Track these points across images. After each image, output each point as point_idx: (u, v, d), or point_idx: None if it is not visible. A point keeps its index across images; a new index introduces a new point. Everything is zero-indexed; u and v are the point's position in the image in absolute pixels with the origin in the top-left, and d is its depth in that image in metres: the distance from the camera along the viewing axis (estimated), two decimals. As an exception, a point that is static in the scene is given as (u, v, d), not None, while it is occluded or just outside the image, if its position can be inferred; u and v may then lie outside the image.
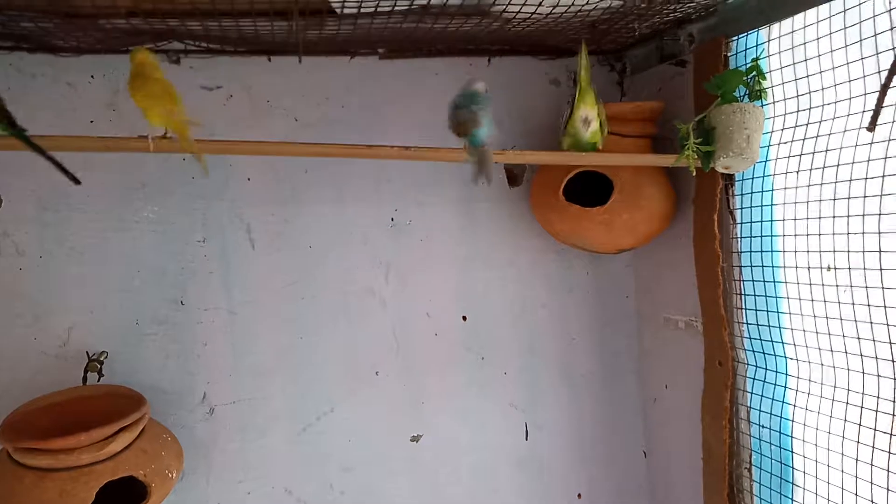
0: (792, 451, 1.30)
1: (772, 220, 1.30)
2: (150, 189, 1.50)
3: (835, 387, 1.17)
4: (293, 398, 1.58)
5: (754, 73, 1.24)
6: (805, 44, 1.18)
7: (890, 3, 1.02)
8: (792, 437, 1.30)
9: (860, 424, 1.11)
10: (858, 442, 1.12)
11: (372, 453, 1.63)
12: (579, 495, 1.76)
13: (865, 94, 1.08)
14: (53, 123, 1.42)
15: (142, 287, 1.50)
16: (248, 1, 1.19)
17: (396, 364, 1.64)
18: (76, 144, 1.18)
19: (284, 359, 1.57)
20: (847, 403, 1.15)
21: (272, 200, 1.56)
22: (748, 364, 1.38)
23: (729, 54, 1.34)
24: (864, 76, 1.08)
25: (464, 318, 1.68)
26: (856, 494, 1.13)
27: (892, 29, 1.02)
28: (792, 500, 1.30)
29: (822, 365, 1.20)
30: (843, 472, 1.15)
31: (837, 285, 1.15)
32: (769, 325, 1.32)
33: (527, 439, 1.72)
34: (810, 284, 1.21)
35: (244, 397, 1.55)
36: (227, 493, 1.55)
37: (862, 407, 1.11)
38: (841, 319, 1.15)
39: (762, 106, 1.26)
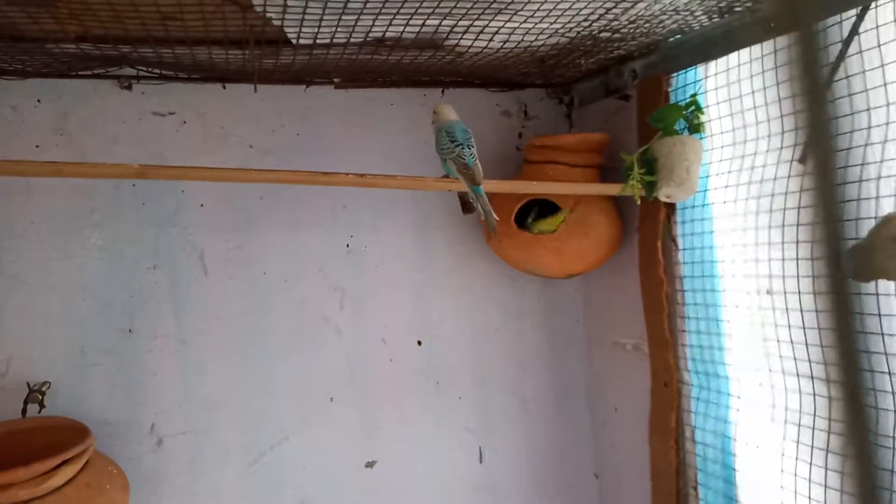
0: (734, 469, 1.34)
1: (712, 247, 1.36)
2: (98, 216, 1.47)
3: (774, 405, 1.23)
4: (246, 428, 1.55)
5: (693, 107, 1.31)
6: (740, 80, 1.26)
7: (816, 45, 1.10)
8: (735, 455, 1.34)
9: (798, 441, 1.17)
10: (797, 459, 1.17)
11: (327, 482, 1.61)
12: (533, 519, 1.77)
13: (797, 129, 1.15)
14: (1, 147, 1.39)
15: (88, 316, 1.46)
16: (202, 29, 1.20)
17: (351, 391, 1.63)
18: (22, 169, 1.16)
19: (237, 388, 1.55)
20: (786, 422, 1.20)
21: (226, 227, 1.55)
22: (692, 385, 1.43)
23: (669, 89, 1.41)
24: (796, 111, 1.15)
25: (419, 343, 1.69)
26: (796, 509, 1.17)
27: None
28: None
29: (761, 384, 1.26)
30: (783, 488, 1.20)
31: (775, 308, 1.21)
32: (711, 347, 1.38)
33: (481, 463, 1.73)
34: (749, 307, 1.27)
35: (195, 428, 1.52)
36: (176, 527, 1.50)
37: (799, 425, 1.17)
38: (778, 340, 1.20)
39: (701, 138, 1.33)
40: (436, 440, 1.70)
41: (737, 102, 1.27)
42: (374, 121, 1.65)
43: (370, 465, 1.64)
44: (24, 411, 1.39)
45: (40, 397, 1.41)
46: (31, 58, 1.34)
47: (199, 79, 1.52)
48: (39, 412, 1.41)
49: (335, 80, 1.61)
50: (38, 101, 1.44)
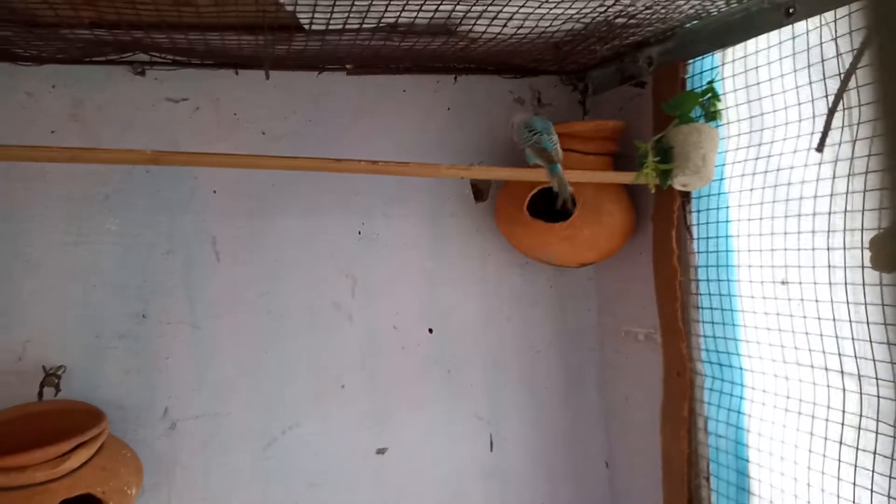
0: (748, 461, 1.33)
1: (727, 236, 1.35)
2: (112, 201, 1.48)
3: (788, 397, 1.22)
4: (258, 413, 1.56)
5: (710, 94, 1.29)
6: (758, 68, 1.24)
7: (835, 31, 1.08)
8: (748, 446, 1.33)
9: (812, 433, 1.16)
10: (811, 451, 1.16)
11: (338, 467, 1.62)
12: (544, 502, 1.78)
13: (814, 117, 1.13)
14: (10, 133, 1.39)
15: (103, 301, 1.47)
16: (215, 14, 1.20)
17: (363, 377, 1.64)
18: (37, 154, 1.17)
19: (249, 373, 1.56)
20: (800, 413, 1.19)
21: (239, 213, 1.55)
22: (706, 375, 1.42)
23: (686, 77, 1.39)
24: (813, 100, 1.13)
25: (430, 331, 1.69)
26: (808, 502, 1.16)
27: (837, 56, 1.08)
28: (748, 508, 1.34)
29: (776, 376, 1.25)
30: (796, 480, 1.19)
31: (790, 299, 1.20)
32: (726, 338, 1.37)
33: (492, 451, 1.73)
34: (765, 298, 1.25)
35: (207, 412, 1.53)
36: (188, 509, 1.52)
37: (813, 416, 1.16)
38: (793, 332, 1.19)
39: (717, 126, 1.31)
40: (447, 427, 1.70)
41: (754, 90, 1.25)
42: (386, 107, 1.64)
43: (381, 451, 1.65)
44: (40, 394, 1.41)
45: (56, 381, 1.43)
46: (46, 44, 1.34)
47: (212, 65, 1.52)
48: (55, 395, 1.43)
49: (347, 66, 1.61)
50: (53, 86, 1.44)
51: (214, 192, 1.54)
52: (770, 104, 1.22)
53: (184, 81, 1.51)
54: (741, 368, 1.35)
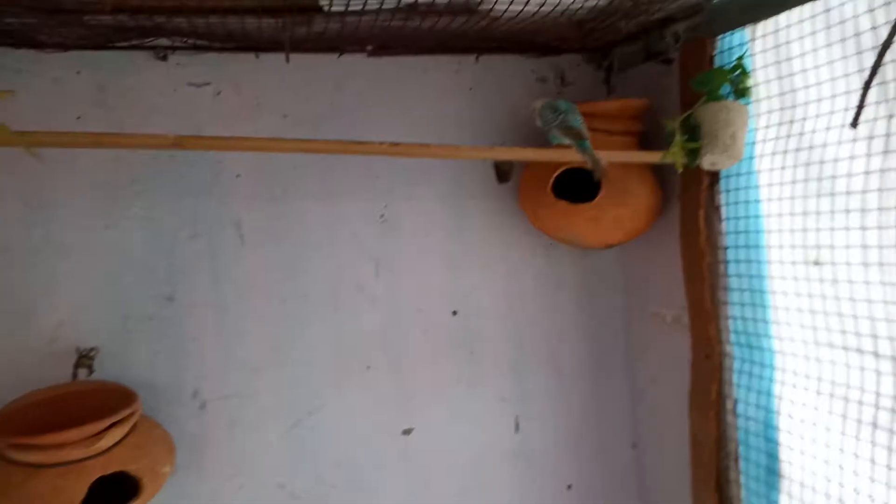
0: (778, 443, 1.32)
1: (757, 216, 1.32)
2: (138, 186, 1.50)
3: (820, 379, 1.19)
4: (284, 393, 1.59)
5: (739, 71, 1.25)
6: (789, 42, 1.20)
7: (871, 3, 1.03)
8: (778, 428, 1.32)
9: (845, 416, 1.13)
10: (843, 433, 1.14)
11: (363, 447, 1.64)
12: (569, 487, 1.78)
13: (848, 92, 1.09)
14: (39, 119, 1.41)
15: (131, 283, 1.50)
16: (235, -2, 1.20)
17: (387, 359, 1.65)
18: (64, 140, 1.18)
19: (275, 354, 1.58)
20: (832, 395, 1.17)
21: (261, 197, 1.56)
22: (735, 357, 1.40)
23: (714, 53, 1.35)
24: (847, 74, 1.09)
25: (454, 313, 1.69)
26: (840, 485, 1.15)
27: (873, 28, 1.03)
28: (778, 490, 1.32)
29: (807, 358, 1.22)
30: (828, 462, 1.17)
31: (822, 279, 1.17)
32: (755, 319, 1.34)
33: (517, 432, 1.74)
34: (796, 279, 1.23)
35: (235, 392, 1.56)
36: (220, 487, 1.56)
37: (846, 399, 1.13)
38: (825, 313, 1.16)
39: (747, 104, 1.27)
40: (471, 409, 1.71)
41: (786, 65, 1.21)
42: (407, 89, 1.63)
43: (407, 432, 1.67)
44: (74, 375, 1.45)
45: (89, 362, 1.47)
46: (70, 30, 1.35)
47: (233, 48, 1.52)
48: (89, 376, 1.47)
49: (368, 47, 1.60)
50: (78, 73, 1.46)
51: (238, 175, 1.55)
52: (802, 80, 1.18)
53: (205, 66, 1.52)
54: (771, 350, 1.32)
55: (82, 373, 1.46)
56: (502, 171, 1.70)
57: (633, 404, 1.79)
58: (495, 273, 1.71)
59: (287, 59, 1.53)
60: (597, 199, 1.45)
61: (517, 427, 1.74)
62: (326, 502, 1.62)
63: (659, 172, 1.52)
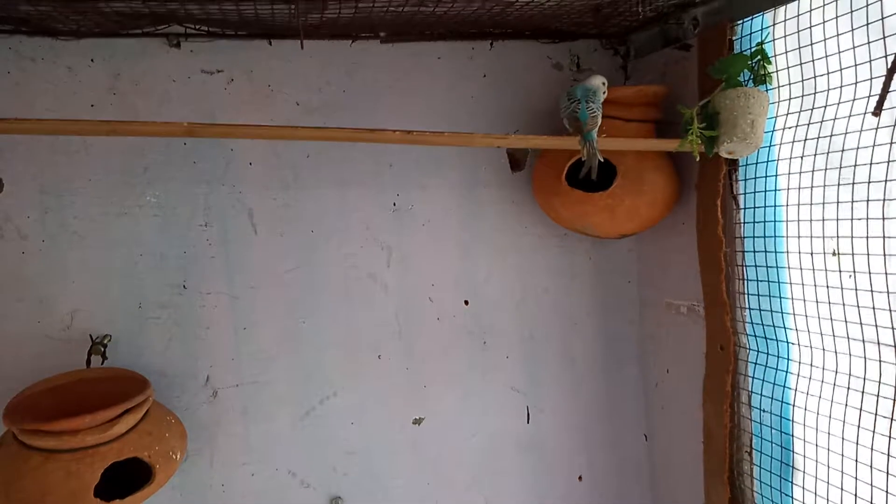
0: (793, 436, 1.30)
1: (775, 206, 1.29)
2: (151, 174, 1.50)
3: (836, 371, 1.18)
4: (296, 382, 1.59)
5: (759, 57, 1.22)
6: (811, 27, 1.17)
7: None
8: (793, 421, 1.30)
9: (861, 409, 1.12)
10: (859, 427, 1.12)
11: (374, 436, 1.64)
12: (580, 478, 1.77)
13: (871, 79, 1.07)
14: (53, 107, 1.42)
15: (144, 271, 1.50)
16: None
17: (399, 348, 1.65)
18: (79, 128, 1.18)
19: (287, 343, 1.58)
20: (848, 388, 1.15)
21: (274, 185, 1.56)
22: (750, 349, 1.38)
23: (733, 38, 1.33)
24: (871, 60, 1.07)
25: (466, 302, 1.68)
26: (856, 478, 1.13)
27: (899, 12, 1.01)
28: (792, 483, 1.31)
29: (824, 350, 1.20)
30: (843, 456, 1.16)
31: (841, 270, 1.15)
32: (772, 311, 1.32)
33: (528, 422, 1.73)
34: (813, 270, 1.20)
35: (247, 381, 1.56)
36: (231, 474, 1.56)
37: (863, 392, 1.11)
38: (843, 304, 1.14)
39: (767, 90, 1.25)
40: (483, 399, 1.70)
41: (807, 51, 1.18)
42: (420, 76, 1.61)
43: (417, 421, 1.67)
44: (88, 362, 1.46)
45: (102, 349, 1.47)
46: (84, 17, 1.35)
47: (246, 35, 1.52)
48: (102, 363, 1.47)
49: (381, 34, 1.58)
50: (92, 60, 1.46)
51: (250, 163, 1.55)
52: (824, 66, 1.15)
53: (218, 53, 1.51)
54: (787, 342, 1.31)
55: (96, 360, 1.46)
56: (516, 159, 1.69)
57: (646, 395, 1.78)
58: (508, 262, 1.70)
59: (301, 46, 1.52)
60: (611, 187, 1.43)
61: (529, 417, 1.73)
62: (338, 490, 1.63)
63: (676, 160, 1.50)
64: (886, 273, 1.06)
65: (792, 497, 1.31)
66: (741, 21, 1.32)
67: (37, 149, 1.44)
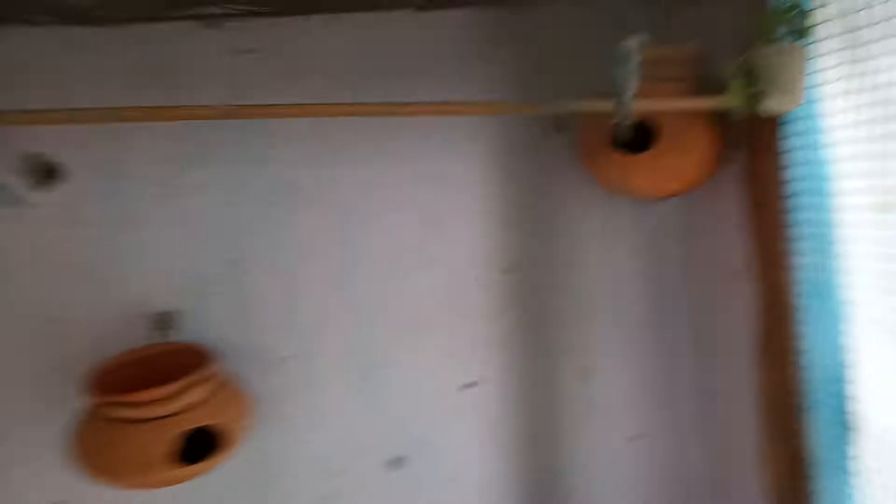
0: (848, 395, 1.28)
1: (824, 161, 1.24)
2: (197, 154, 1.56)
3: (891, 330, 1.14)
4: (350, 350, 1.65)
5: (799, 9, 1.16)
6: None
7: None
8: (848, 380, 1.27)
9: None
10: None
11: (427, 402, 1.70)
12: (636, 437, 1.78)
13: None
14: (94, 95, 1.47)
15: (198, 249, 1.58)
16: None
17: (447, 316, 1.68)
18: (123, 115, 1.24)
19: (337, 314, 1.64)
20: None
21: (315, 161, 1.59)
22: (803, 307, 1.35)
23: (773, -10, 1.26)
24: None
25: (510, 268, 1.69)
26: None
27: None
28: (848, 443, 1.29)
29: (878, 307, 1.17)
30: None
31: (894, 226, 1.11)
32: (824, 268, 1.28)
33: (581, 384, 1.74)
34: (866, 225, 1.16)
35: (304, 351, 1.64)
36: (294, 441, 1.66)
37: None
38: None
39: (808, 44, 1.19)
40: (533, 362, 1.73)
41: (850, 1, 1.11)
42: (456, 43, 1.59)
43: (470, 385, 1.71)
44: (157, 336, 1.56)
45: (169, 324, 1.57)
46: (124, 4, 1.39)
47: (280, 12, 1.53)
48: (172, 338, 1.57)
49: (416, 2, 1.57)
50: (132, 46, 1.51)
51: (292, 140, 1.58)
52: (867, 17, 1.08)
53: (255, 31, 1.54)
54: (841, 300, 1.27)
55: (164, 335, 1.56)
56: (559, 122, 1.66)
57: (700, 356, 1.76)
58: (552, 226, 1.69)
59: (333, 20, 1.53)
60: (653, 148, 1.40)
61: (581, 379, 1.75)
62: (394, 454, 1.70)
63: (720, 119, 1.45)
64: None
65: (850, 456, 1.29)
66: (782, -30, 1.25)
67: (92, 138, 1.52)
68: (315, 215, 1.61)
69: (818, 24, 1.19)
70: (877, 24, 1.07)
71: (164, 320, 1.57)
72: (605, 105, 1.31)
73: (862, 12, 1.09)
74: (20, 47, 1.48)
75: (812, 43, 1.20)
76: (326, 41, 1.56)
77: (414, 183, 1.63)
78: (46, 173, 1.52)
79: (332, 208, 1.61)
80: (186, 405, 1.36)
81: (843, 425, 1.30)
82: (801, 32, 1.17)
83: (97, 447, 1.33)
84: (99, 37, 1.50)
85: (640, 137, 1.43)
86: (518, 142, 1.65)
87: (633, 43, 1.28)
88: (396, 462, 1.70)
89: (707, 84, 1.44)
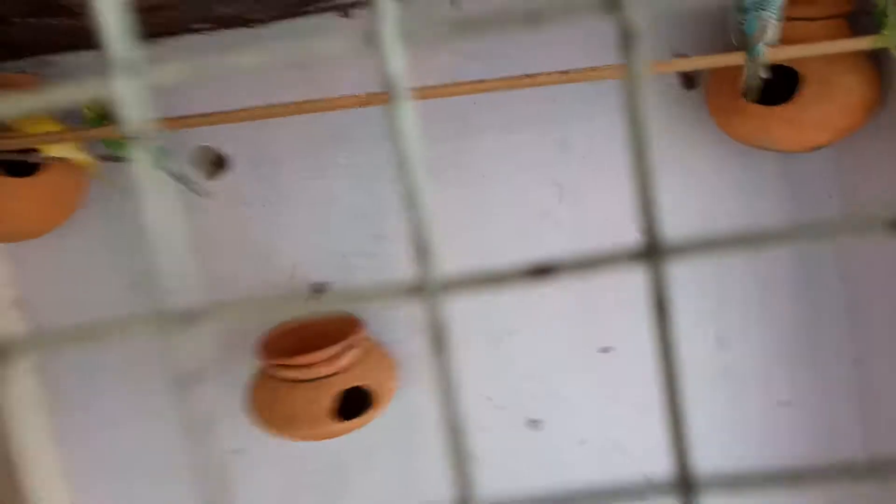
0: None
1: None
2: (339, 138, 1.67)
3: None
4: (485, 315, 1.71)
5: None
6: None
7: None
8: None
9: None
10: None
11: (561, 364, 1.73)
12: (784, 403, 1.70)
13: None
14: (248, 90, 1.60)
15: (345, 225, 1.70)
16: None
17: (578, 281, 1.68)
18: (271, 112, 1.36)
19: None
20: None
21: (443, 136, 1.65)
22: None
23: None
24: None
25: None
26: None
27: None
28: None
29: None
30: None
31: None
32: None
33: (721, 348, 1.69)
34: None
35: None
36: (436, 401, 1.76)
37: None
38: None
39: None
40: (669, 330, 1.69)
41: None
42: (577, 8, 1.57)
43: (605, 350, 1.72)
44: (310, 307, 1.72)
45: (321, 295, 1.72)
46: (265, 6, 1.52)
47: (409, -4, 1.59)
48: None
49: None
50: (279, 43, 1.63)
51: (422, 117, 1.65)
52: None
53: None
54: None
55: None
56: (688, 77, 1.59)
57: (853, 318, 1.64)
58: (686, 187, 1.64)
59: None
60: (794, 98, 1.30)
61: (721, 343, 1.69)
62: (529, 414, 1.76)
63: (875, 58, 1.31)
64: None
65: None
66: None
67: (246, 129, 1.68)
68: (445, 188, 1.67)
69: None
70: None
71: (317, 291, 1.73)
72: (738, 59, 1.24)
73: None
74: (185, 54, 1.67)
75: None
76: (453, 15, 1.59)
77: (540, 150, 1.64)
78: (216, 164, 1.72)
79: (460, 180, 1.67)
80: (342, 367, 1.50)
81: None
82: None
83: (268, 404, 1.51)
84: (249, 37, 1.64)
85: (778, 84, 1.34)
86: (649, 100, 1.60)
87: None
88: (535, 423, 1.77)
89: (861, 18, 1.30)
